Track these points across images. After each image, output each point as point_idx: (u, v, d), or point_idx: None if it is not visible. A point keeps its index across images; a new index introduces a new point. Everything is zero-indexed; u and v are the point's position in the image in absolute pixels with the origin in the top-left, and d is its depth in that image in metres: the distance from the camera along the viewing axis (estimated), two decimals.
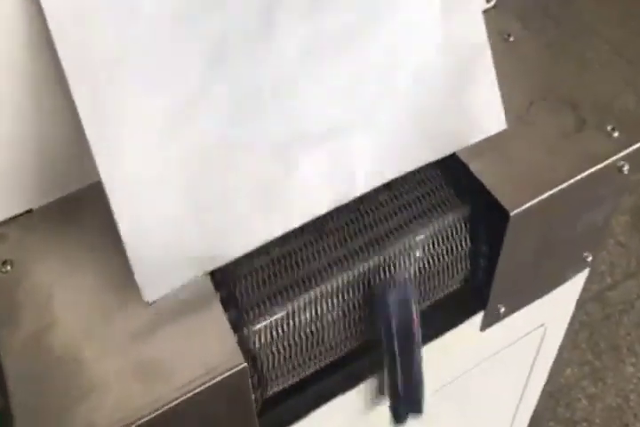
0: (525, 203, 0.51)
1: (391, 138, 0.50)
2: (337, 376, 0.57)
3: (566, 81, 0.58)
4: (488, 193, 0.51)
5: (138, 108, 0.43)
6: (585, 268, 0.68)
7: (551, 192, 0.51)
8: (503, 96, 0.55)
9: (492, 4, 0.62)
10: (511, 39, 0.61)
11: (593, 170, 0.53)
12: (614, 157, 0.54)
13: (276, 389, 0.52)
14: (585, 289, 1.76)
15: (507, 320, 0.65)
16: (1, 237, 0.51)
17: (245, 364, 0.43)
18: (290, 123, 0.48)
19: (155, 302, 0.45)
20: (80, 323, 0.46)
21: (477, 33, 0.51)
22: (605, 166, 0.54)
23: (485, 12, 0.62)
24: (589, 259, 0.66)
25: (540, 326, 0.75)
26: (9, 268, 0.49)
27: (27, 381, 0.44)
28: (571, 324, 1.69)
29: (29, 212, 0.52)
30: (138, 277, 0.44)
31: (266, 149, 0.47)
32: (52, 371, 0.44)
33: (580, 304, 1.69)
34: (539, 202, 0.51)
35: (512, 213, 0.50)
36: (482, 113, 0.52)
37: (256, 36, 0.45)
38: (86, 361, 0.44)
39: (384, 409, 0.59)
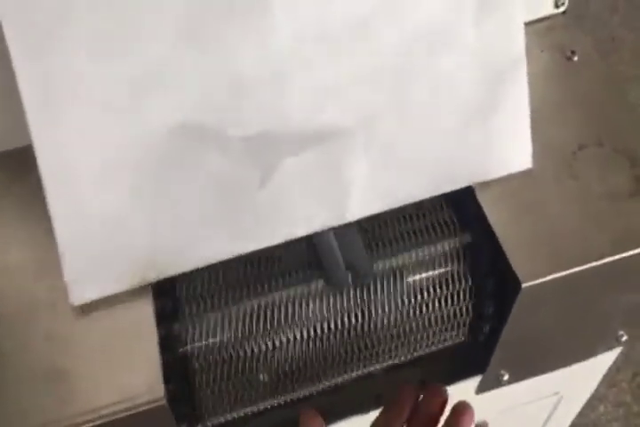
0: (543, 276, 0.42)
1: (393, 156, 0.43)
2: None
3: (634, 126, 0.48)
4: (503, 255, 0.43)
5: (82, 76, 0.37)
6: (617, 346, 0.59)
7: (579, 269, 0.43)
8: (548, 131, 0.47)
9: (563, 9, 0.51)
10: (575, 58, 0.50)
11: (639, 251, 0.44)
12: None
13: (217, 419, 0.47)
14: None
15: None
16: None
17: (164, 402, 0.38)
18: (271, 118, 0.40)
19: (83, 306, 0.40)
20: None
21: (513, 43, 0.42)
22: None
23: (550, 18, 0.52)
24: (624, 338, 0.57)
25: (554, 395, 0.66)
26: None
27: None
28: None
29: None
30: (67, 278, 0.40)
31: (238, 146, 0.40)
32: None
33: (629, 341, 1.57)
34: (561, 278, 0.43)
35: (524, 285, 0.42)
36: (505, 144, 0.44)
37: (246, 10, 0.38)
38: None
39: None
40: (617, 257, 0.43)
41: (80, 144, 0.38)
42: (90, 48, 0.36)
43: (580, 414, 1.49)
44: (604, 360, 0.63)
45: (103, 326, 0.41)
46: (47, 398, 0.38)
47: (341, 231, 0.44)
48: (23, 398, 0.38)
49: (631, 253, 0.43)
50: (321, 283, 0.44)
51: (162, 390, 0.38)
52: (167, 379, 0.39)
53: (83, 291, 0.40)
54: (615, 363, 1.61)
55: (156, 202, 0.40)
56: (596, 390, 0.67)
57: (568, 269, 0.43)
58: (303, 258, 0.45)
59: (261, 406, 0.48)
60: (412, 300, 0.47)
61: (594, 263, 0.43)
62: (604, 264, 0.43)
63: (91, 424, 0.38)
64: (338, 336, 0.46)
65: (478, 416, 0.65)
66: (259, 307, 0.44)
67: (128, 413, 0.38)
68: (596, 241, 0.44)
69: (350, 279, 0.44)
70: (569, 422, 0.79)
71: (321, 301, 0.45)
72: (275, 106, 0.40)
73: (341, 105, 0.41)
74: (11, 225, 0.44)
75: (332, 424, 0.52)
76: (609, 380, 1.54)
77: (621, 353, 1.64)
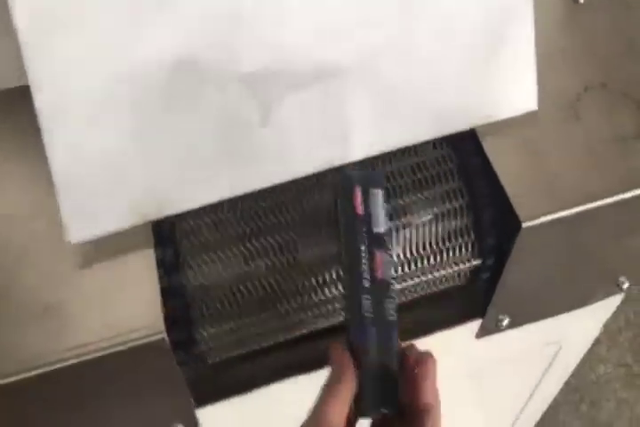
0: (543, 216, 0.42)
1: (395, 98, 0.42)
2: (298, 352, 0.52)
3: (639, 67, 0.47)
4: (504, 194, 0.43)
5: (78, 3, 0.36)
6: (618, 293, 0.59)
7: (581, 209, 0.43)
8: (554, 74, 0.46)
9: None
10: (581, 1, 0.50)
11: None
12: None
13: (220, 357, 0.48)
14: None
15: (512, 331, 0.58)
16: None
17: (163, 335, 0.38)
18: (271, 54, 0.39)
19: (81, 244, 0.40)
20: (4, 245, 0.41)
21: None
22: None
23: None
24: (625, 285, 0.57)
25: (553, 344, 0.66)
26: None
27: None
28: (614, 319, 1.56)
29: None
30: (64, 216, 0.39)
31: (237, 83, 0.39)
32: None
33: (629, 300, 1.56)
34: (562, 218, 0.43)
35: (524, 225, 0.42)
36: (510, 85, 0.43)
37: None
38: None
39: None
40: (619, 197, 0.43)
41: (77, 76, 0.37)
42: None
43: (581, 375, 1.50)
44: (604, 309, 0.63)
45: (102, 265, 0.40)
46: (40, 332, 0.38)
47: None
48: (15, 332, 0.38)
49: (634, 193, 0.43)
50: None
51: (161, 325, 0.39)
52: (166, 318, 0.39)
53: (80, 229, 0.39)
54: (617, 324, 1.61)
55: (154, 140, 0.39)
56: (597, 351, 0.67)
57: (569, 209, 0.42)
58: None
59: (264, 344, 0.48)
60: (414, 240, 0.47)
61: (595, 203, 0.43)
62: (606, 205, 0.43)
63: (84, 358, 0.38)
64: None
65: (478, 364, 0.66)
66: (262, 247, 0.44)
67: (126, 345, 0.38)
68: (598, 182, 0.43)
69: None
70: (567, 375, 0.80)
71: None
72: (275, 41, 0.39)
73: (343, 44, 0.40)
74: (9, 161, 0.44)
75: None
76: (610, 341, 1.54)
77: (623, 314, 1.63)
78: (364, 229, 0.41)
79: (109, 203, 0.39)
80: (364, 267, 0.41)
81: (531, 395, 0.79)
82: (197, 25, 0.37)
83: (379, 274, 0.41)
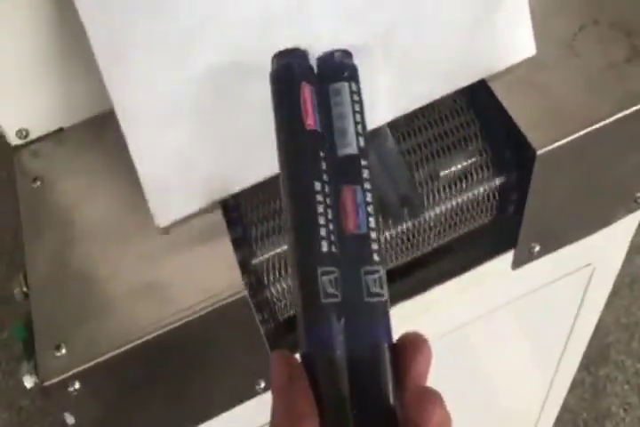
0: (556, 141, 0.47)
1: (411, 65, 0.47)
2: None
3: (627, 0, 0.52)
4: (516, 128, 0.48)
5: (149, 32, 0.43)
6: (637, 209, 0.64)
7: (588, 130, 0.48)
8: (548, 18, 0.51)
9: None
10: None
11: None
12: None
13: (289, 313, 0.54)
14: None
15: (546, 258, 0.63)
16: (33, 154, 0.53)
17: (245, 293, 0.44)
18: (301, 42, 0.43)
19: (167, 227, 0.46)
20: (98, 243, 0.48)
21: None
22: None
23: None
24: None
25: (586, 266, 0.72)
26: (39, 184, 0.51)
27: (46, 294, 0.46)
28: None
29: (61, 130, 0.53)
30: (151, 203, 0.46)
31: None
32: (68, 287, 0.46)
33: None
34: (572, 141, 0.48)
35: (539, 152, 0.47)
36: (509, 35, 0.48)
37: None
38: (99, 280, 0.46)
39: None
40: (620, 115, 0.48)
41: (147, 88, 0.44)
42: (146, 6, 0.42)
43: (628, 312, 1.54)
44: (628, 225, 0.68)
45: (184, 242, 0.47)
46: (146, 305, 0.45)
47: (390, 164, 0.48)
48: (127, 307, 0.45)
49: (635, 108, 0.48)
50: None
51: (241, 284, 0.44)
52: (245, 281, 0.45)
53: (165, 214, 0.46)
54: None
55: (214, 131, 0.46)
56: (632, 242, 0.70)
57: (577, 132, 0.48)
58: None
59: None
60: (445, 187, 0.52)
61: (600, 123, 0.48)
62: (610, 123, 0.48)
63: (185, 320, 0.44)
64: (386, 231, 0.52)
65: (517, 295, 0.71)
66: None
67: (217, 305, 0.44)
68: (599, 105, 0.48)
69: (406, 214, 0.49)
70: (605, 296, 0.84)
71: None
72: (303, 34, 0.45)
73: (359, 25, 0.45)
74: (100, 172, 0.51)
75: None
76: None
77: None
78: (322, 154, 0.28)
79: (185, 190, 0.46)
80: (320, 218, 0.25)
81: (574, 320, 0.84)
82: (238, 28, 0.44)
83: (349, 226, 0.26)
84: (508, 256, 0.61)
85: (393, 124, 0.50)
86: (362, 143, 0.27)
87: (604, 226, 0.63)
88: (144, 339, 0.43)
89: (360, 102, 0.31)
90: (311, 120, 0.27)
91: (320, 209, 0.25)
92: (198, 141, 0.46)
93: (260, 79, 0.45)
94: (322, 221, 0.24)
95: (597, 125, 0.48)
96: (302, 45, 0.44)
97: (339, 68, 0.30)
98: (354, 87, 0.28)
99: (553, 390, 1.06)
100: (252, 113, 0.45)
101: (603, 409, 1.57)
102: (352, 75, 0.30)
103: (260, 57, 0.44)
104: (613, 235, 0.67)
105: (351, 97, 0.28)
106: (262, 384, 0.53)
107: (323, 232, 0.24)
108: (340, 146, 0.27)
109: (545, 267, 0.65)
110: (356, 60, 0.39)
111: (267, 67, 0.45)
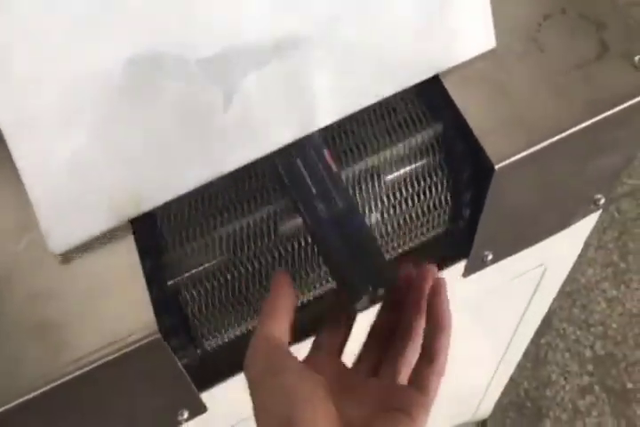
0: (516, 154, 0.41)
1: (355, 58, 0.41)
2: None
3: None
4: (475, 140, 0.42)
5: (34, 21, 0.35)
6: (595, 210, 0.59)
7: (551, 141, 0.42)
8: (510, 6, 0.45)
9: None
10: None
11: (610, 112, 0.43)
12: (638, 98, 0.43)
13: (216, 342, 0.47)
14: (621, 183, 1.62)
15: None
16: None
17: (158, 335, 0.38)
18: (227, 34, 0.38)
19: (64, 253, 0.39)
20: None
21: None
22: (628, 107, 0.43)
23: None
24: (602, 202, 0.57)
25: (538, 266, 0.67)
26: None
27: None
28: (599, 221, 1.59)
29: None
30: (44, 227, 0.38)
31: (196, 69, 0.38)
32: None
33: (614, 199, 1.58)
34: (534, 153, 0.42)
35: (497, 167, 0.41)
36: (465, 27, 0.42)
37: None
38: None
39: None
40: (589, 122, 0.42)
41: (33, 92, 0.36)
42: None
43: (571, 280, 1.53)
44: (584, 226, 0.64)
45: (87, 273, 0.40)
46: (38, 351, 0.38)
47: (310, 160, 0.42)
48: (14, 354, 0.38)
49: (603, 115, 0.42)
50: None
51: (154, 325, 0.38)
52: (158, 314, 0.38)
53: (61, 238, 0.39)
54: (602, 224, 1.62)
55: (120, 139, 0.38)
56: (585, 255, 0.68)
57: (540, 143, 0.42)
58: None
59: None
60: (391, 197, 0.46)
61: (565, 133, 0.42)
62: (576, 132, 0.42)
63: (86, 369, 0.37)
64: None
65: (466, 298, 0.67)
66: (240, 228, 0.43)
67: (124, 351, 0.37)
68: (565, 111, 0.42)
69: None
70: (554, 292, 0.81)
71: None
72: (230, 20, 0.38)
73: (299, 13, 0.39)
74: None
75: None
76: (597, 242, 1.57)
77: (608, 214, 1.63)
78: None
79: (86, 207, 0.39)
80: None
81: (524, 311, 0.81)
82: (147, 20, 0.36)
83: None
84: (460, 264, 0.56)
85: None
86: None
87: (561, 229, 0.58)
88: (34, 394, 0.36)
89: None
90: None
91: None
92: (99, 151, 0.38)
93: (174, 78, 0.38)
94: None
95: (562, 135, 0.42)
96: (225, 36, 0.37)
97: None
98: None
99: (502, 367, 1.05)
100: (167, 114, 0.38)
101: (544, 378, 1.58)
102: None
103: (174, 52, 0.37)
104: (568, 235, 0.62)
105: None
106: (185, 414, 0.48)
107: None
108: None
109: (496, 270, 0.60)
110: (298, 52, 0.39)
111: (185, 62, 0.38)
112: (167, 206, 0.41)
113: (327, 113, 0.41)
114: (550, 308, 1.58)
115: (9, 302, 0.39)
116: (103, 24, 0.36)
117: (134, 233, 0.41)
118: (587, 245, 1.61)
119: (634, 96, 0.43)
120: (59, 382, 0.37)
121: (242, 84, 0.39)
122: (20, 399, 0.36)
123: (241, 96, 0.39)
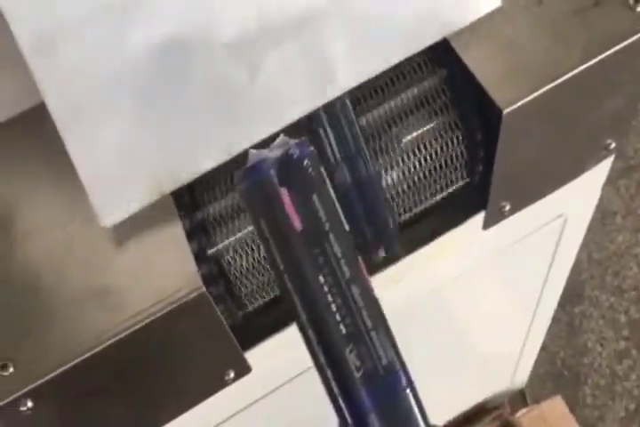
0: (522, 98, 0.44)
1: (369, 27, 0.43)
2: None
3: None
4: (480, 87, 0.44)
5: (76, 11, 0.38)
6: (608, 156, 0.61)
7: (555, 84, 0.44)
8: None
9: None
10: None
11: (609, 53, 0.45)
12: (638, 35, 0.45)
13: (257, 302, 0.50)
14: None
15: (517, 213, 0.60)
16: None
17: (203, 289, 0.41)
18: (247, 13, 0.41)
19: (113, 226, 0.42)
20: (39, 249, 0.44)
21: None
22: (626, 46, 0.45)
23: None
24: (612, 146, 0.59)
25: (558, 217, 0.69)
26: None
27: None
28: (626, 188, 1.57)
29: None
30: (93, 203, 0.42)
31: (221, 50, 0.41)
32: (10, 299, 0.42)
33: (637, 168, 1.56)
34: (539, 96, 0.44)
35: (505, 111, 0.44)
36: None
37: None
38: (43, 290, 0.42)
39: None
40: (589, 64, 0.44)
41: (79, 78, 0.40)
42: None
43: (601, 248, 1.54)
44: (598, 172, 0.65)
45: (135, 242, 0.43)
46: (96, 312, 0.41)
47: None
48: (74, 317, 0.41)
49: (603, 55, 0.44)
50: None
51: (199, 280, 0.41)
52: (202, 277, 0.42)
53: (110, 213, 0.42)
54: (627, 191, 1.60)
55: (158, 119, 0.42)
56: (612, 222, 0.69)
57: (544, 86, 0.44)
58: None
59: None
60: (409, 155, 0.49)
61: (568, 75, 0.44)
62: (578, 74, 0.44)
63: (140, 325, 0.40)
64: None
65: (489, 254, 0.68)
66: None
67: (172, 307, 0.40)
68: (566, 55, 0.44)
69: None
70: (577, 245, 0.83)
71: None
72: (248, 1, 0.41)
73: None
74: (38, 171, 0.46)
75: None
76: (624, 210, 1.57)
77: (633, 181, 1.60)
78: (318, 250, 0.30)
79: (131, 184, 0.42)
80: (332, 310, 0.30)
81: (549, 267, 0.82)
82: (173, 6, 0.39)
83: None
84: (479, 218, 0.58)
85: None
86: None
87: (575, 177, 0.60)
88: (95, 350, 0.40)
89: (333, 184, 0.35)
90: (297, 222, 0.30)
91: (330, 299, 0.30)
92: (141, 130, 0.41)
93: (202, 58, 0.41)
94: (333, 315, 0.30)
95: (565, 77, 0.44)
96: (247, 16, 0.40)
97: (302, 168, 0.32)
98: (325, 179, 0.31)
99: (532, 333, 1.06)
100: (197, 93, 0.41)
101: (579, 346, 1.59)
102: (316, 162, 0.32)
103: (201, 34, 0.41)
104: (584, 183, 0.64)
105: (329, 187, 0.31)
106: (231, 374, 0.51)
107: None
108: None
109: (517, 222, 0.62)
110: (314, 25, 0.41)
111: (209, 44, 0.41)
112: (204, 178, 0.44)
113: (345, 80, 0.44)
114: (582, 277, 1.58)
115: (71, 271, 0.42)
116: (136, 12, 0.39)
117: (176, 204, 0.44)
118: (613, 213, 1.61)
119: (631, 35, 0.45)
120: (115, 339, 0.40)
121: (264, 61, 0.42)
122: (83, 356, 0.40)
123: (263, 72, 0.42)
